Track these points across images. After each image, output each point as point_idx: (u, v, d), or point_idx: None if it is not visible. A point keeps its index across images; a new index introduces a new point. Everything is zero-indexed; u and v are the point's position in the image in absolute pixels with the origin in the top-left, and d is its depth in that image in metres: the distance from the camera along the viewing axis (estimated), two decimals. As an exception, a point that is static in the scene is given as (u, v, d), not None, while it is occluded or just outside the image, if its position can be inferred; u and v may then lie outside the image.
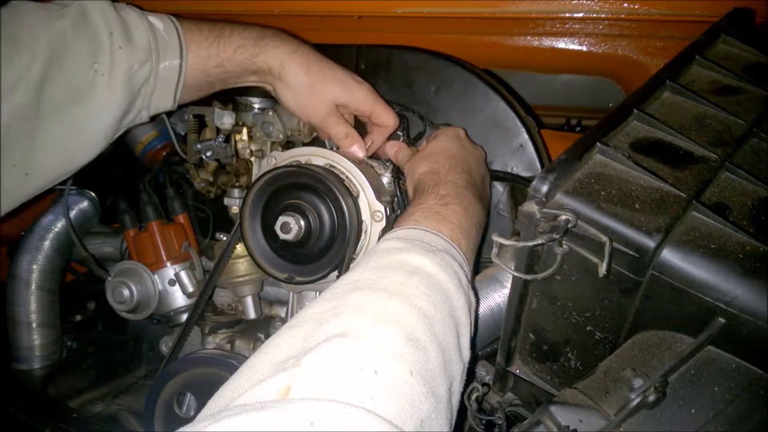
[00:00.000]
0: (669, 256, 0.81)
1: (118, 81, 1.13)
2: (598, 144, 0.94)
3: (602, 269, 0.81)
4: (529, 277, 0.92)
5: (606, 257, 0.81)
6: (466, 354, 0.90)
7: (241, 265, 1.54)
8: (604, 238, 0.81)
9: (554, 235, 0.82)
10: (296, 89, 1.32)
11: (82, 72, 1.09)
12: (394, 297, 0.83)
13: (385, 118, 1.40)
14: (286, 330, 0.82)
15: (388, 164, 1.43)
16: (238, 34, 1.28)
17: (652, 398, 0.75)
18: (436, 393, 0.76)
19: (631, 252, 0.83)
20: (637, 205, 0.86)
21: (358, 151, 1.39)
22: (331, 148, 1.38)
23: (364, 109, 1.38)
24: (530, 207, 0.86)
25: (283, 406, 0.62)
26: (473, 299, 0.98)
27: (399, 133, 1.49)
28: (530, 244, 0.85)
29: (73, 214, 1.90)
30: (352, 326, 0.77)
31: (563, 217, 0.82)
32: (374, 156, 1.47)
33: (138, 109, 1.22)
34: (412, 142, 1.49)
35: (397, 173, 1.42)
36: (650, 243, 0.81)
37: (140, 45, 1.16)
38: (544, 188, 0.85)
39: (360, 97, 1.36)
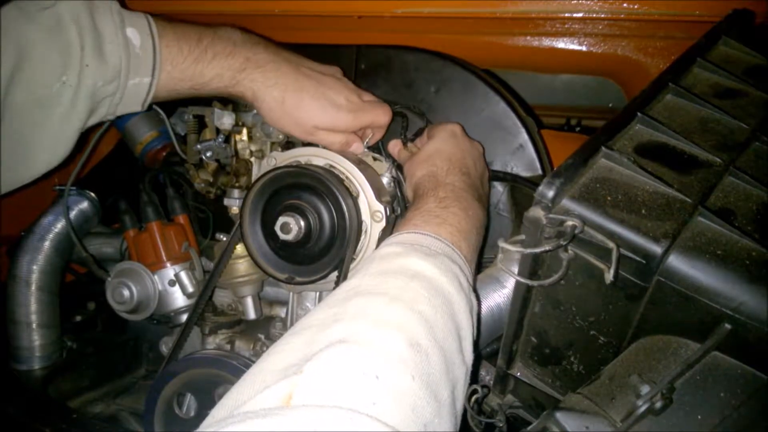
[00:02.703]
0: (675, 262, 0.81)
1: (83, 95, 1.11)
2: (603, 148, 0.94)
3: (609, 276, 0.81)
4: (535, 283, 0.92)
5: (613, 264, 0.81)
6: (469, 357, 0.90)
7: (241, 265, 1.54)
8: (612, 245, 0.81)
9: (561, 241, 0.82)
10: (270, 117, 1.32)
11: (49, 82, 1.07)
12: (395, 302, 0.83)
13: (374, 124, 1.40)
14: (287, 337, 0.82)
15: (389, 159, 1.43)
16: (219, 61, 1.24)
17: (659, 405, 0.75)
18: (438, 397, 0.76)
19: (638, 258, 0.83)
20: (643, 211, 0.86)
21: (357, 148, 1.39)
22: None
23: (352, 129, 1.37)
24: (536, 212, 0.85)
25: (286, 413, 0.63)
26: (474, 302, 0.98)
27: (399, 130, 1.49)
28: (537, 250, 0.84)
29: (73, 214, 1.89)
30: (353, 332, 0.78)
31: (570, 223, 0.82)
32: (376, 147, 1.48)
33: (100, 116, 1.19)
34: (413, 138, 1.49)
35: (399, 171, 1.41)
36: (657, 249, 0.81)
37: (110, 64, 1.13)
38: (550, 193, 0.85)
39: (341, 123, 1.33)
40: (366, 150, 1.42)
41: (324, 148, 1.37)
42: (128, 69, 1.15)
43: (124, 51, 1.14)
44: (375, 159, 1.43)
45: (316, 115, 1.30)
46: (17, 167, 1.12)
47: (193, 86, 1.25)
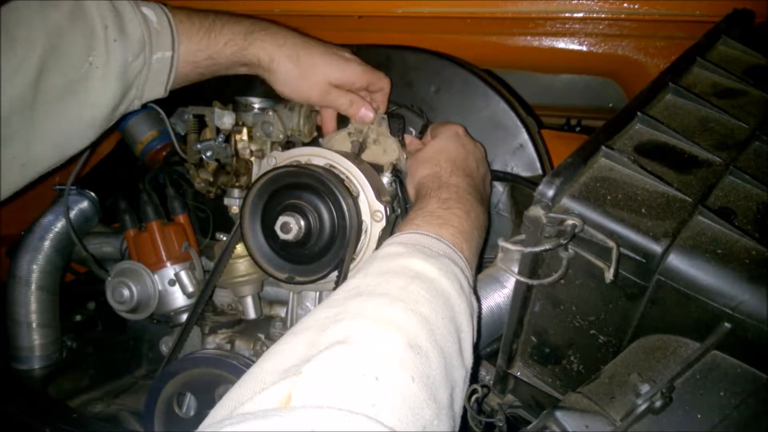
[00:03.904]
0: (675, 261, 0.81)
1: (113, 73, 1.15)
2: (603, 147, 0.94)
3: (609, 275, 0.81)
4: (535, 282, 0.92)
5: (613, 263, 0.81)
6: (469, 360, 0.90)
7: (241, 265, 1.53)
8: (612, 244, 0.81)
9: (561, 240, 0.82)
10: (288, 79, 1.36)
11: (77, 64, 1.11)
12: (396, 303, 0.83)
13: (379, 83, 1.46)
14: (287, 337, 0.82)
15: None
16: (229, 27, 1.30)
17: (659, 404, 0.75)
18: (438, 399, 0.76)
19: (637, 257, 0.83)
20: (643, 210, 0.86)
21: (368, 113, 1.42)
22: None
23: (360, 83, 1.42)
24: (536, 211, 0.85)
25: (285, 414, 0.63)
26: (475, 304, 0.98)
27: (397, 130, 1.49)
28: (537, 249, 0.84)
29: (73, 214, 1.90)
30: (354, 333, 0.77)
31: (570, 222, 0.82)
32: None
33: (131, 99, 1.24)
34: (419, 137, 1.50)
35: (398, 172, 1.41)
36: (657, 248, 0.81)
37: (134, 38, 1.17)
38: (550, 192, 0.85)
39: (352, 73, 1.40)
40: (376, 116, 1.44)
41: (328, 145, 1.39)
42: (150, 43, 1.20)
43: (144, 26, 1.19)
44: (381, 133, 1.44)
45: (330, 69, 1.37)
46: (48, 151, 1.16)
47: (210, 56, 1.30)
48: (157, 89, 1.28)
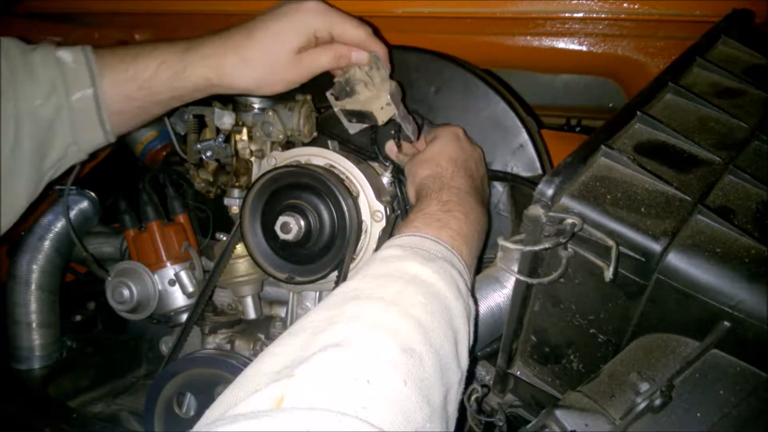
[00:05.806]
0: (675, 260, 0.81)
1: (25, 123, 1.08)
2: (603, 147, 0.94)
3: (608, 274, 0.81)
4: (534, 281, 0.92)
5: (612, 261, 0.81)
6: (464, 362, 0.90)
7: (241, 265, 1.53)
8: (611, 242, 0.81)
9: (560, 239, 0.82)
10: (252, 81, 1.20)
11: None
12: (391, 307, 0.84)
13: (349, 32, 1.26)
14: (282, 339, 0.83)
15: (387, 164, 1.43)
16: (160, 50, 1.16)
17: (658, 402, 0.75)
18: (431, 402, 0.76)
19: (637, 256, 0.83)
20: (642, 209, 0.86)
21: (361, 55, 1.28)
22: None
23: (322, 28, 1.21)
24: (536, 210, 0.85)
25: (276, 415, 0.64)
26: (472, 307, 0.98)
27: (392, 132, 1.48)
28: (537, 248, 0.85)
29: (73, 214, 1.90)
30: (348, 336, 0.78)
31: (569, 221, 0.82)
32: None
33: (64, 146, 1.15)
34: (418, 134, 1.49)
35: (398, 173, 1.41)
36: (656, 247, 0.81)
37: (43, 79, 1.09)
38: (550, 191, 0.85)
39: (311, 17, 1.19)
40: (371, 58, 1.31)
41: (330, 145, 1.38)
42: (65, 84, 1.12)
43: (56, 67, 1.11)
44: (376, 77, 1.33)
45: (287, 35, 1.18)
46: None
47: (142, 84, 1.16)
48: (94, 132, 1.16)
